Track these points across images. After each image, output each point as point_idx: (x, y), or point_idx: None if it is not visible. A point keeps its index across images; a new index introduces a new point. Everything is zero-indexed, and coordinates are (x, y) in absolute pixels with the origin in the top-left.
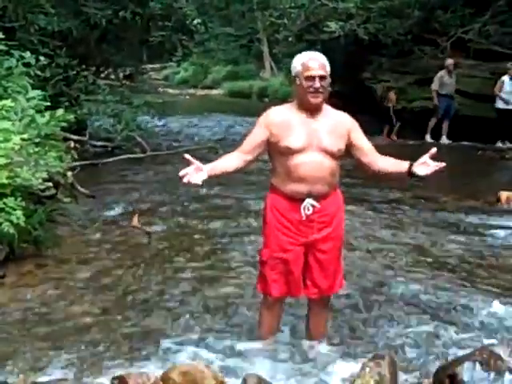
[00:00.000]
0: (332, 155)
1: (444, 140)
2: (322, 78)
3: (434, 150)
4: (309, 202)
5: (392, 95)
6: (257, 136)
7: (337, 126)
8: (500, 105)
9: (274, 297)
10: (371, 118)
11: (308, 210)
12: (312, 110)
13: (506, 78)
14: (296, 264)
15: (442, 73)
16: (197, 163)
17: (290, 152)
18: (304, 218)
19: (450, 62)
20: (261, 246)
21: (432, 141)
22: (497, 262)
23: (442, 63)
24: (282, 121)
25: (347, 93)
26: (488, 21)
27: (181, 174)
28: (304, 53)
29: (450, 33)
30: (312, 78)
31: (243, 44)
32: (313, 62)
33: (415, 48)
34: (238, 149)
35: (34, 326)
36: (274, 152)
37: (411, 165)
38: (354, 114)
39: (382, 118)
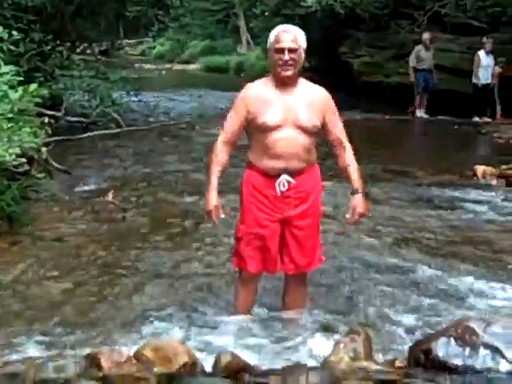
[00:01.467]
0: (307, 131)
1: (422, 114)
2: (291, 50)
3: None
4: (284, 177)
5: (496, 70)
6: (235, 121)
7: (313, 102)
8: (476, 80)
9: (250, 273)
10: (347, 93)
11: (283, 186)
12: (286, 84)
13: (481, 52)
14: (272, 240)
15: (418, 47)
16: (213, 206)
17: (266, 129)
18: (279, 194)
19: (426, 36)
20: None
21: (427, 116)
22: (473, 236)
23: (418, 38)
24: (258, 97)
25: (324, 68)
26: None
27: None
28: (280, 26)
29: (427, 7)
30: (281, 51)
31: (220, 19)
32: (284, 35)
33: (392, 22)
34: (223, 140)
35: (8, 303)
36: (251, 128)
37: (354, 192)
38: (330, 88)
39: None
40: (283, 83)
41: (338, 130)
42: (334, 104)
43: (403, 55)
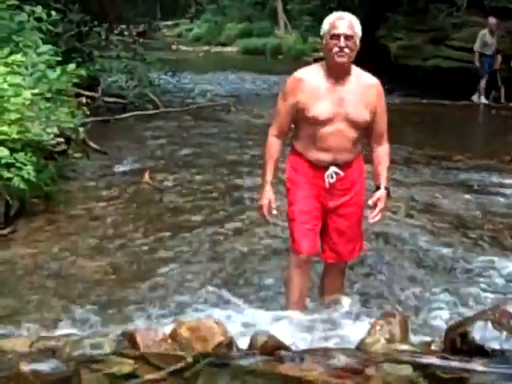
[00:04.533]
0: (358, 125)
1: (483, 100)
2: (348, 37)
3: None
4: (333, 169)
5: (498, 58)
6: (284, 111)
7: (365, 95)
8: None
9: (304, 254)
10: (385, 76)
11: (332, 177)
12: (339, 73)
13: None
14: (318, 223)
15: (483, 32)
16: (266, 202)
17: (315, 122)
18: (327, 186)
19: (492, 21)
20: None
21: (486, 101)
22: (510, 221)
23: (457, 21)
24: (309, 87)
25: (362, 51)
26: None
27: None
28: (334, 13)
29: None
30: (337, 37)
31: (257, 1)
32: (340, 22)
33: (430, 6)
34: (274, 133)
35: (44, 281)
36: (299, 118)
37: (377, 187)
38: (368, 73)
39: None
40: (336, 72)
41: (383, 123)
42: (384, 95)
43: (441, 39)
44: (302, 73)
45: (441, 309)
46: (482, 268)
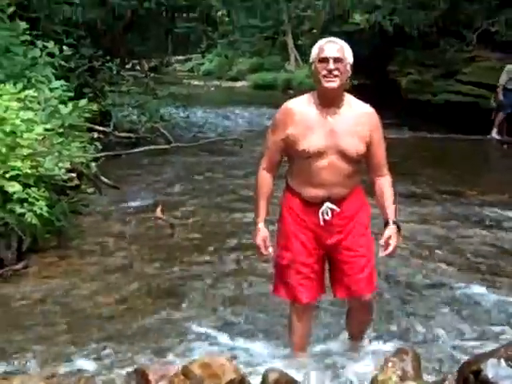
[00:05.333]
0: (351, 158)
1: (496, 135)
2: (337, 60)
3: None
4: (327, 206)
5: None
6: (274, 144)
7: (359, 124)
8: None
9: (303, 303)
10: (395, 111)
11: (327, 214)
12: (330, 102)
13: None
14: (319, 267)
15: (510, 66)
16: (261, 240)
17: (307, 156)
18: (322, 224)
19: None
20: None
21: (498, 137)
22: None
23: (467, 56)
24: (299, 119)
25: (371, 86)
26: None
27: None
28: (324, 39)
29: (476, 25)
30: (326, 60)
31: (268, 36)
32: (329, 45)
33: (441, 40)
34: (264, 167)
35: (56, 316)
36: (290, 152)
37: (387, 223)
38: (377, 107)
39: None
40: (327, 100)
41: (381, 153)
42: (380, 124)
43: (452, 73)
44: (293, 103)
45: (454, 346)
46: (495, 305)
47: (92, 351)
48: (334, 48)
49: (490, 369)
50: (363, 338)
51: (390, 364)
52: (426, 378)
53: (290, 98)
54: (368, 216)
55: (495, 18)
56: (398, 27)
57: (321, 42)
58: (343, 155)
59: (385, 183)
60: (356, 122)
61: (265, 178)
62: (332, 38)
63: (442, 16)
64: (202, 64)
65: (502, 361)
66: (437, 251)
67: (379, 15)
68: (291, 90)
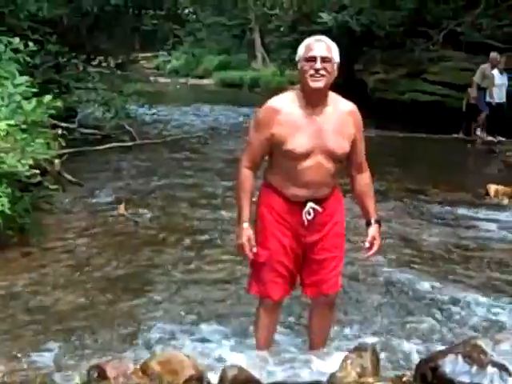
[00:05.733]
0: (337, 157)
1: (480, 133)
2: (324, 59)
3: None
4: (311, 206)
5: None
6: (257, 144)
7: (344, 124)
8: (490, 99)
9: (274, 300)
10: (362, 110)
11: (309, 214)
12: (316, 100)
13: (495, 71)
14: (295, 265)
15: (484, 66)
16: (246, 240)
17: (293, 156)
18: (306, 224)
19: (493, 55)
20: None
21: (485, 136)
22: (484, 256)
23: (433, 56)
24: (284, 119)
25: (339, 85)
26: (480, 14)
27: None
28: (311, 37)
29: (442, 25)
30: (313, 59)
31: (235, 34)
32: (317, 44)
33: (407, 40)
34: (246, 166)
35: (17, 312)
36: (275, 151)
37: (369, 222)
38: None
39: (376, 111)
40: (313, 100)
41: (362, 151)
42: (361, 122)
43: (418, 73)
44: (277, 102)
45: (412, 342)
46: (453, 302)
47: (51, 348)
48: (322, 47)
49: (447, 365)
50: (326, 340)
51: (349, 361)
52: (385, 374)
53: (257, 96)
54: (344, 217)
55: (461, 18)
56: (365, 27)
57: (308, 41)
58: (330, 155)
59: (365, 181)
60: (342, 121)
61: (247, 177)
62: (319, 37)
63: (408, 16)
64: (169, 61)
65: (460, 357)
66: (396, 249)
67: (346, 15)
68: (258, 88)
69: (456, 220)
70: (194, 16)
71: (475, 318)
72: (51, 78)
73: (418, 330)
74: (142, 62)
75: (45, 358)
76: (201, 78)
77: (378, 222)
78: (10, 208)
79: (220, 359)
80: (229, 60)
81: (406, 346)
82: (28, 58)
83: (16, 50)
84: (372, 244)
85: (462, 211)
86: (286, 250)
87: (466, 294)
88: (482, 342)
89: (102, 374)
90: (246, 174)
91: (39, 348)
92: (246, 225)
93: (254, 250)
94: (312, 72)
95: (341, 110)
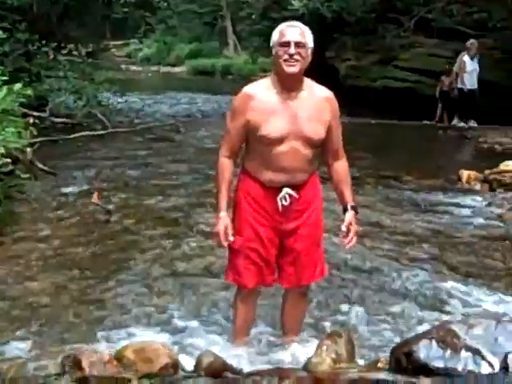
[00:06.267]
0: (313, 143)
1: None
2: (298, 44)
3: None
4: (286, 191)
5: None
6: (234, 132)
7: (320, 109)
8: (462, 85)
9: (248, 288)
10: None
11: (285, 200)
12: (291, 86)
13: (466, 57)
14: (271, 253)
15: (463, 53)
16: (222, 228)
17: (268, 141)
18: (281, 209)
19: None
20: None
21: (462, 124)
22: (457, 241)
23: (405, 42)
24: (259, 105)
25: (310, 71)
26: (451, 0)
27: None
28: (285, 22)
29: (413, 12)
30: (287, 44)
31: (207, 21)
32: (291, 29)
33: (379, 27)
34: (224, 155)
35: None
36: (251, 138)
37: (345, 208)
38: None
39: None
40: (288, 85)
41: (338, 137)
42: (338, 108)
43: (389, 59)
44: (252, 88)
45: (387, 328)
46: (427, 287)
47: (25, 337)
48: (296, 32)
49: (421, 350)
50: (300, 330)
51: (324, 347)
52: (360, 360)
53: (229, 83)
54: (321, 204)
55: (432, 4)
56: (336, 13)
57: (282, 26)
58: (305, 140)
59: (341, 167)
60: (318, 107)
61: (226, 166)
62: (293, 22)
63: (379, 2)
64: (141, 49)
65: (434, 342)
66: (370, 235)
67: (317, 1)
68: (230, 75)
69: (429, 206)
70: (166, 3)
71: (449, 302)
72: (21, 66)
73: (392, 315)
74: (112, 50)
75: (19, 349)
76: (173, 65)
77: (354, 208)
78: None
79: (196, 347)
80: (200, 48)
81: (381, 331)
82: None
83: None
84: (349, 230)
85: (434, 197)
86: (260, 237)
87: (440, 279)
88: (455, 327)
89: (77, 364)
90: (225, 163)
91: (13, 338)
92: (223, 213)
93: (231, 238)
94: (286, 57)
95: (317, 95)
